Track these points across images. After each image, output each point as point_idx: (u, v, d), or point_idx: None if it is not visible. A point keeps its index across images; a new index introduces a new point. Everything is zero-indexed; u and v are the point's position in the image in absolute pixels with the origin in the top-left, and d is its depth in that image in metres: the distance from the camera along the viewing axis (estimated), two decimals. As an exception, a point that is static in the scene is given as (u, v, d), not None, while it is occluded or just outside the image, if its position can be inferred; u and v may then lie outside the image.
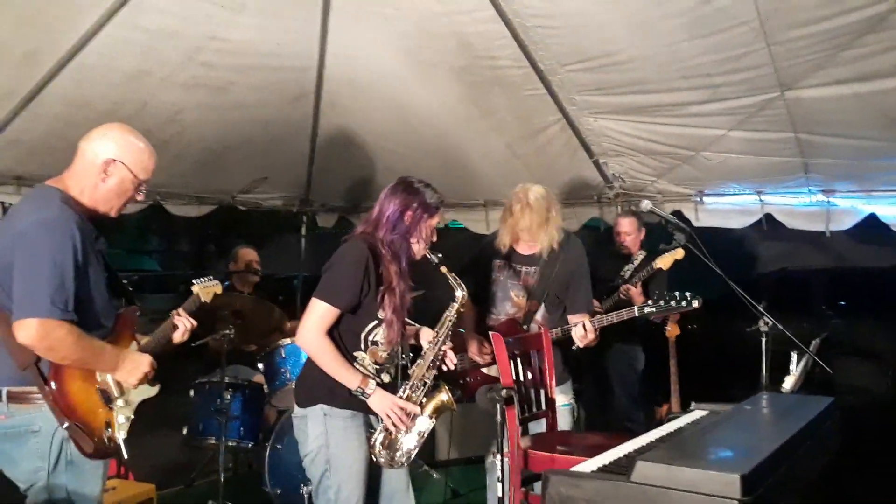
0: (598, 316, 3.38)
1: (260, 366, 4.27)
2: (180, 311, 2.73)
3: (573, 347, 3.48)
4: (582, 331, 3.32)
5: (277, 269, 5.49)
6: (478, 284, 3.71)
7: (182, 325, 2.69)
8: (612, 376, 4.81)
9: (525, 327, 3.53)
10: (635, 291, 4.41)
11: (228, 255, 5.10)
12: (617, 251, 4.83)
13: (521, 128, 4.86)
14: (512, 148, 5.07)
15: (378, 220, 2.77)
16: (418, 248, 2.81)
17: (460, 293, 2.84)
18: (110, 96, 4.09)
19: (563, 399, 3.51)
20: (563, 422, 3.47)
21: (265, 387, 4.25)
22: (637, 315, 3.30)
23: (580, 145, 4.87)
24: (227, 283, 4.77)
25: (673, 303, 3.20)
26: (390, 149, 5.26)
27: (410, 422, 2.79)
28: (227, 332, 4.01)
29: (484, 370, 3.58)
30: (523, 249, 3.60)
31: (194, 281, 2.87)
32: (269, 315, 4.36)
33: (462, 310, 2.85)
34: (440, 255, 2.82)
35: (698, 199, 5.03)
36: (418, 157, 5.19)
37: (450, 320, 2.87)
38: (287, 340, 4.14)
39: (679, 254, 4.00)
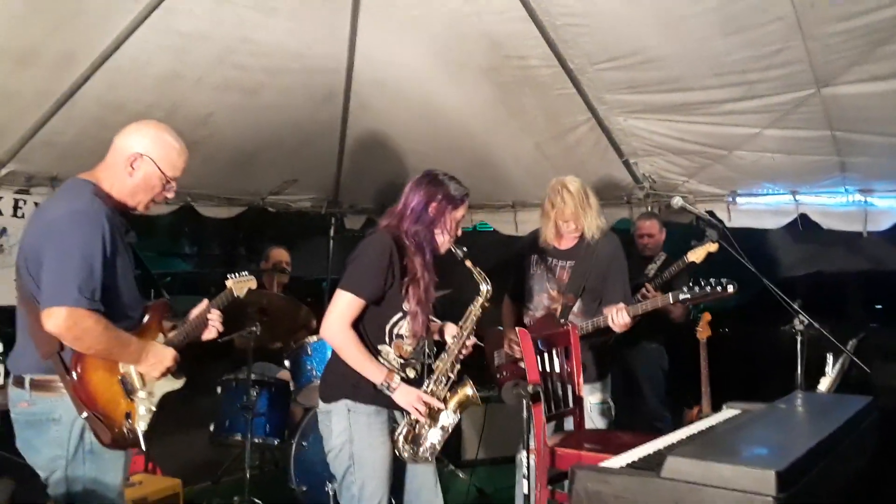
0: (636, 304, 3.36)
1: (286, 363, 4.27)
2: (212, 308, 2.72)
3: (604, 339, 3.46)
4: (620, 317, 3.31)
5: (306, 272, 5.52)
6: (515, 281, 3.75)
7: (214, 326, 2.68)
8: (639, 376, 4.76)
9: (562, 321, 3.54)
10: (655, 293, 4.34)
11: (260, 256, 5.13)
12: (639, 253, 4.80)
13: (551, 128, 4.84)
14: (541, 148, 5.04)
15: (403, 213, 2.77)
16: (443, 240, 2.80)
17: (485, 287, 2.83)
18: (143, 99, 4.14)
19: (597, 397, 3.49)
20: (598, 421, 3.45)
21: (291, 384, 4.25)
22: (672, 302, 3.27)
23: (610, 145, 4.84)
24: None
25: (708, 288, 3.16)
26: (419, 150, 5.26)
27: (435, 415, 2.78)
28: (254, 329, 4.02)
29: (521, 364, 3.54)
30: (560, 244, 3.64)
31: (228, 276, 2.87)
32: (296, 313, 4.36)
33: (487, 304, 2.85)
34: (465, 249, 2.80)
35: (731, 200, 4.98)
36: (447, 158, 5.13)
37: (474, 315, 2.86)
38: (313, 338, 4.14)
39: (712, 247, 3.93)
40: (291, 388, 4.27)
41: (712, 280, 3.18)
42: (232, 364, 4.61)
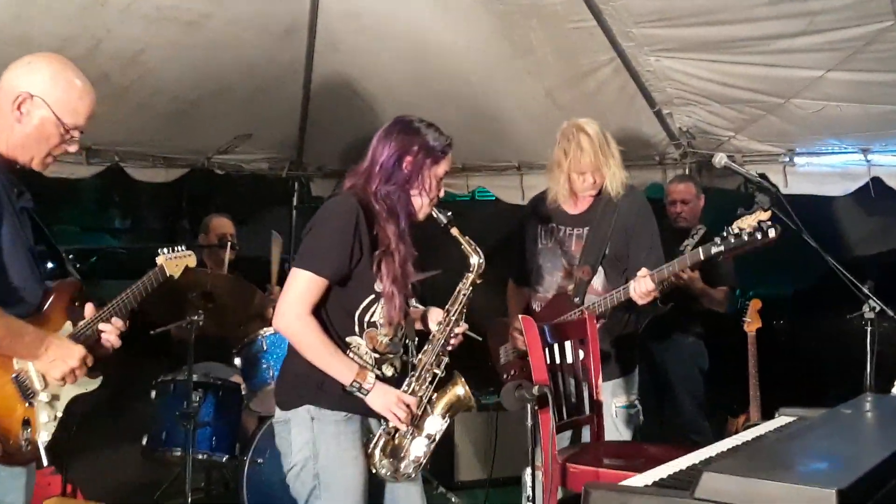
0: (656, 270, 3.34)
1: (237, 361, 4.27)
2: (111, 316, 2.57)
3: (630, 332, 3.47)
4: (642, 285, 3.29)
5: (264, 251, 5.52)
6: (519, 259, 3.76)
7: (108, 342, 2.53)
8: (672, 378, 4.77)
9: (577, 300, 3.55)
10: (693, 275, 4.32)
11: (197, 228, 5.13)
12: (671, 225, 4.80)
13: (565, 70, 4.81)
14: (552, 96, 5.01)
15: (370, 170, 2.76)
16: (421, 203, 2.80)
17: (476, 260, 2.83)
18: (57, 31, 4.08)
19: (621, 398, 3.49)
20: (622, 429, 3.45)
21: (243, 387, 4.25)
22: (703, 258, 3.24)
23: (638, 92, 4.82)
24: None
25: (746, 235, 3.14)
26: (402, 99, 5.21)
27: (419, 422, 2.79)
28: (196, 318, 4.02)
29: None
30: (573, 208, 3.67)
31: (160, 251, 2.84)
32: (247, 298, 4.35)
33: (479, 281, 2.85)
34: (450, 214, 2.81)
35: (787, 160, 5.00)
36: (436, 109, 5.01)
37: (464, 295, 2.85)
38: (270, 329, 4.13)
39: (763, 215, 3.92)
40: (243, 392, 4.27)
41: (749, 224, 3.15)
42: (169, 363, 4.61)
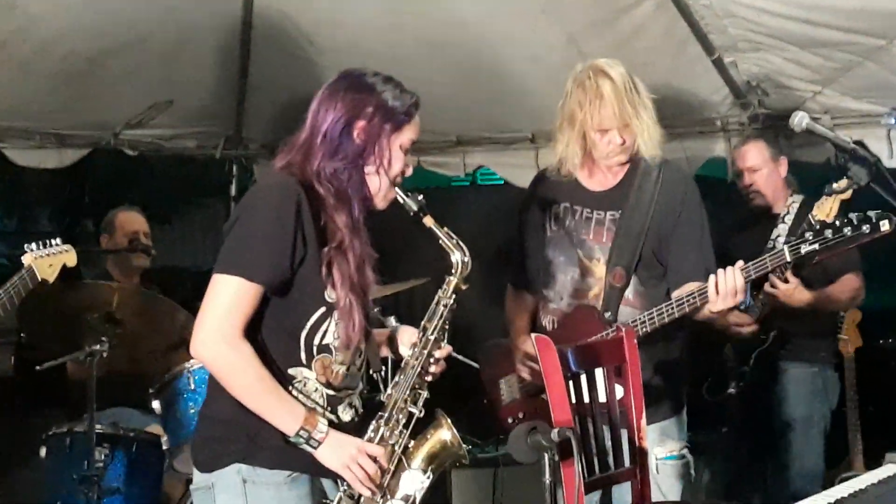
0: (745, 266, 3.29)
1: (155, 405, 4.21)
2: None
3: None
4: (731, 279, 3.23)
5: (192, 257, 5.46)
6: (521, 255, 3.75)
7: None
8: (787, 423, 4.64)
9: (609, 315, 3.51)
10: (788, 286, 4.22)
11: (101, 227, 5.11)
12: (750, 210, 4.73)
13: (592, 7, 4.80)
14: (577, 43, 4.96)
15: (310, 143, 2.75)
16: (379, 184, 2.79)
17: (458, 258, 2.83)
18: None
19: (668, 446, 3.45)
20: (668, 487, 3.41)
21: (164, 440, 4.21)
22: (788, 258, 3.23)
23: (691, 35, 4.79)
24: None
25: (848, 230, 3.11)
26: (374, 51, 5.13)
27: (390, 480, 2.75)
28: (98, 348, 3.98)
29: (544, 397, 3.50)
30: (594, 182, 3.64)
31: (27, 248, 2.86)
32: (167, 320, 4.29)
33: (464, 287, 2.85)
34: (421, 198, 2.81)
35: (894, 122, 4.94)
36: (421, 64, 5.12)
37: (444, 306, 2.85)
38: (198, 362, 4.00)
39: (845, 195, 3.86)
40: (164, 448, 4.23)
41: (853, 216, 3.12)
42: (65, 410, 4.57)
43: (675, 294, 3.46)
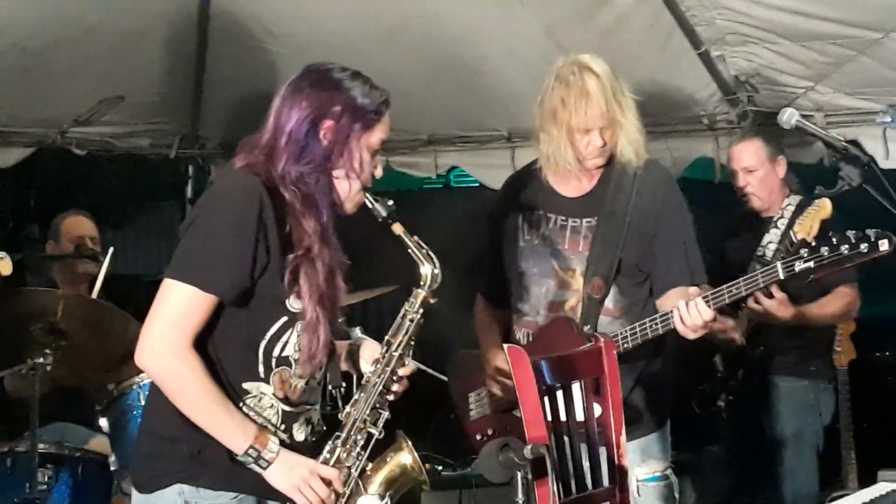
0: (717, 290, 3.29)
1: (102, 423, 4.20)
2: None
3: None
4: (694, 312, 3.23)
5: (145, 264, 5.43)
6: (493, 266, 3.75)
7: None
8: (778, 439, 4.65)
9: (588, 329, 3.52)
10: (772, 302, 4.24)
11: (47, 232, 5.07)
12: (744, 214, 4.72)
13: None
14: (556, 35, 4.98)
15: (273, 144, 2.72)
16: (349, 188, 2.77)
17: (427, 270, 2.82)
18: None
19: (649, 465, 3.40)
20: None
21: (112, 460, 4.17)
22: (782, 277, 3.22)
23: (677, 26, 4.81)
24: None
25: (845, 248, 3.10)
26: (339, 45, 5.14)
27: None
28: (42, 362, 3.96)
29: (517, 413, 3.40)
30: (569, 187, 3.63)
31: None
32: (116, 330, 4.20)
33: (432, 301, 2.84)
34: (391, 203, 2.80)
35: (889, 120, 4.93)
36: (390, 60, 5.09)
37: (411, 321, 2.85)
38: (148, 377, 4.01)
39: (824, 210, 3.90)
40: (113, 468, 4.19)
41: (851, 234, 3.11)
42: (4, 428, 4.52)
43: (658, 302, 3.47)
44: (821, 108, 5.03)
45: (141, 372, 4.08)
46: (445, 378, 4.01)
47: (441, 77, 5.25)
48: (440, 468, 5.28)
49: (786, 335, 4.41)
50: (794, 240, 4.19)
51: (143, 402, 4.03)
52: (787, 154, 5.10)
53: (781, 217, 4.59)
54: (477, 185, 6.25)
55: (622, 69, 4.80)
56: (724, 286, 3.29)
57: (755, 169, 4.66)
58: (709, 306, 3.24)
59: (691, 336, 3.29)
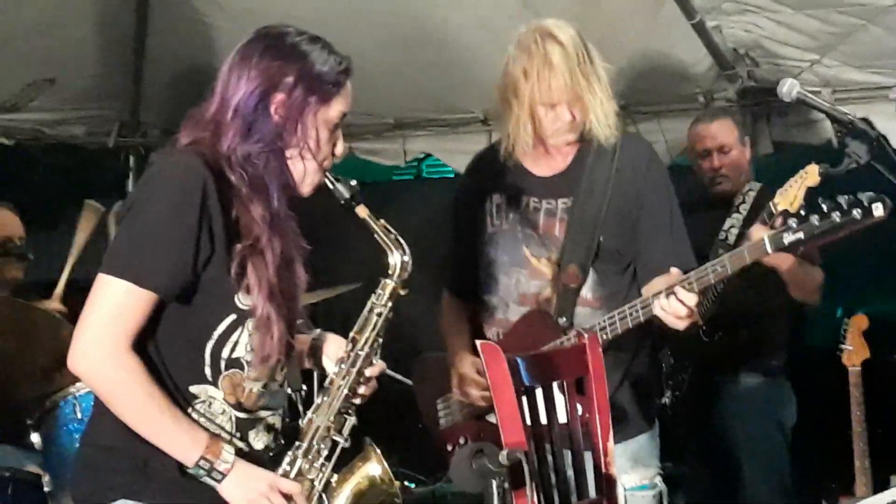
0: (696, 272, 3.27)
1: (34, 439, 4.17)
2: None
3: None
4: (673, 301, 3.23)
5: (81, 265, 5.39)
6: (459, 255, 3.79)
7: None
8: (736, 441, 4.73)
9: (563, 321, 3.54)
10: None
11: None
12: (709, 196, 4.80)
13: None
14: (535, 4, 4.94)
15: (218, 119, 2.70)
16: (304, 169, 2.77)
17: (396, 258, 2.84)
18: None
19: (638, 474, 3.47)
20: None
21: (45, 480, 4.14)
22: (770, 251, 3.21)
23: None
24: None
25: (836, 215, 3.10)
26: (295, 18, 4.97)
27: None
28: None
29: (491, 419, 3.52)
30: (541, 166, 3.64)
31: None
32: (47, 335, 4.22)
33: (402, 292, 2.86)
34: (354, 184, 2.80)
35: None
36: (352, 35, 4.98)
37: (378, 315, 2.86)
38: (86, 386, 3.88)
39: (811, 178, 3.91)
40: (46, 490, 4.15)
41: (843, 199, 3.10)
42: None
43: (644, 290, 3.48)
44: (828, 83, 5.06)
45: (76, 381, 4.07)
46: (408, 381, 4.04)
47: (408, 54, 5.28)
48: (412, 485, 5.33)
49: (745, 324, 4.46)
50: (775, 212, 4.22)
51: (78, 415, 4.05)
52: (791, 134, 5.18)
53: (743, 202, 4.67)
54: (452, 175, 6.29)
55: (607, 42, 4.85)
56: (708, 264, 3.29)
57: (731, 149, 4.75)
58: (693, 290, 3.24)
59: (679, 326, 3.29)
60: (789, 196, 3.99)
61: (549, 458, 3.11)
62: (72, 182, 7.05)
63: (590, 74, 3.44)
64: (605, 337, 3.41)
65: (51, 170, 6.69)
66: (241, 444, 2.70)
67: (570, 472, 3.16)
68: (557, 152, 3.59)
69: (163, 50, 5.62)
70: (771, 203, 4.13)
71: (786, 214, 3.50)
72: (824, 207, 3.13)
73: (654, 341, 3.72)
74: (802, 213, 3.18)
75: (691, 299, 3.24)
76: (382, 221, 2.83)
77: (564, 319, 3.52)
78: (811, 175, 3.92)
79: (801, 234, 3.15)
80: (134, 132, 6.20)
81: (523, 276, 3.61)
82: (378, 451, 2.85)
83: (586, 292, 3.56)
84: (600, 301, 3.55)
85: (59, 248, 5.20)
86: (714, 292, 4.23)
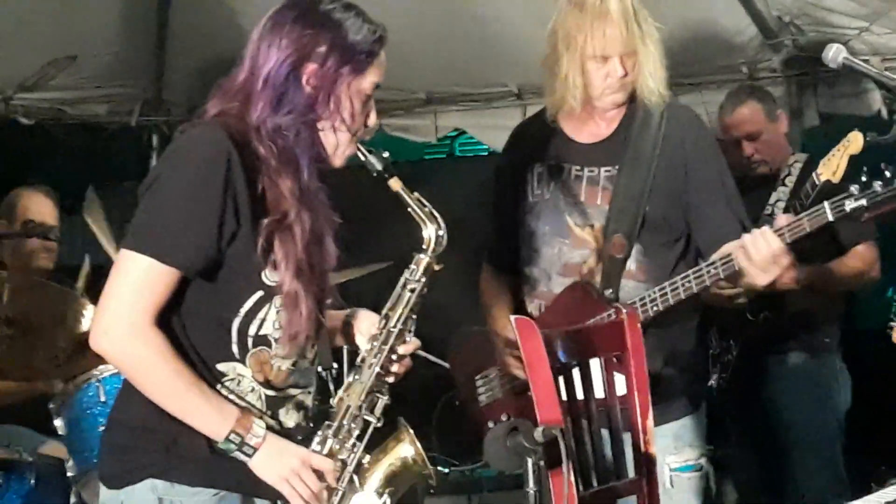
0: (786, 221, 3.25)
1: (57, 422, 4.22)
2: None
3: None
4: (764, 243, 3.21)
5: (103, 252, 5.40)
6: (500, 227, 3.81)
7: None
8: (784, 424, 4.71)
9: (610, 293, 3.54)
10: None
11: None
12: (748, 175, 4.73)
13: None
14: (571, -27, 5.01)
15: (248, 89, 2.71)
16: (336, 141, 2.78)
17: (431, 231, 2.84)
18: None
19: (683, 455, 3.48)
20: (683, 501, 3.44)
21: (69, 465, 4.20)
22: (831, 219, 3.18)
23: None
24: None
25: None
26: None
27: (338, 503, 2.75)
28: None
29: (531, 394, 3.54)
30: (585, 133, 3.64)
31: None
32: (71, 316, 4.25)
33: (437, 268, 2.86)
34: (386, 155, 2.81)
35: None
36: (383, 8, 5.00)
37: (412, 291, 2.86)
38: (110, 368, 4.04)
39: (855, 146, 3.89)
40: (70, 474, 4.22)
41: (837, 163, 3.23)
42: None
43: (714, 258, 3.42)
44: (877, 51, 5.05)
45: (100, 363, 4.13)
46: (447, 365, 4.04)
47: (439, 26, 5.31)
48: (446, 470, 5.33)
49: (793, 301, 4.39)
50: (818, 182, 4.21)
51: (102, 398, 4.10)
52: (838, 105, 5.15)
53: (789, 175, 4.66)
54: (486, 153, 6.33)
55: (648, 11, 4.93)
56: (804, 215, 3.23)
57: (759, 133, 4.74)
58: (782, 238, 3.20)
59: (761, 280, 3.24)
60: (832, 165, 3.99)
61: (587, 437, 3.12)
62: (92, 163, 7.11)
63: (644, 33, 3.44)
64: (655, 309, 3.41)
65: (72, 150, 6.76)
66: (271, 422, 2.71)
67: (608, 452, 3.17)
68: (601, 118, 3.59)
69: (186, 26, 5.65)
70: (814, 174, 4.13)
71: (827, 185, 3.51)
72: (887, 173, 3.11)
73: (700, 321, 3.70)
74: (864, 178, 3.14)
75: (777, 244, 3.19)
76: (416, 194, 2.83)
77: (611, 291, 3.52)
78: (854, 143, 3.91)
79: (863, 201, 3.13)
80: (157, 110, 6.22)
81: (566, 245, 3.61)
82: (411, 431, 2.85)
83: (631, 264, 3.56)
84: (646, 274, 3.54)
85: (80, 232, 5.23)
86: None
